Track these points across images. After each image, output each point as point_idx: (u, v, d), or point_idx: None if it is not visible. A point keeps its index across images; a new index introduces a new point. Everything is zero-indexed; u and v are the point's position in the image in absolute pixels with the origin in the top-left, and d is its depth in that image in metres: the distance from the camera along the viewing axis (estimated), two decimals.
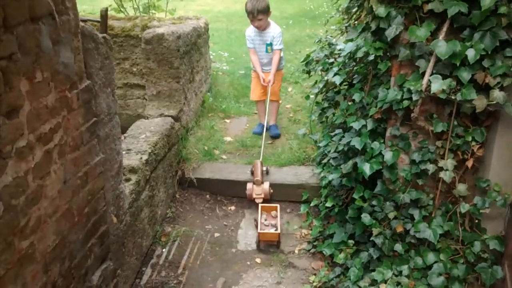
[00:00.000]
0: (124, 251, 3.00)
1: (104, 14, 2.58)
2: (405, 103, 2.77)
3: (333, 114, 3.76)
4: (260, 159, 4.23)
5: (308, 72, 4.15)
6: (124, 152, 3.44)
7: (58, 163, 2.12)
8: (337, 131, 3.45)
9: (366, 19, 3.19)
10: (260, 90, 4.94)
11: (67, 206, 2.23)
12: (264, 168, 4.12)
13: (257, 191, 3.93)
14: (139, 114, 5.37)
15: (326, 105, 3.91)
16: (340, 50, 3.85)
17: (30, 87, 1.86)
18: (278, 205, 3.92)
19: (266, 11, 4.55)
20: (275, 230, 3.65)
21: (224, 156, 4.48)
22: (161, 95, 4.35)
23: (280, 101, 5.35)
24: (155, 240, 3.60)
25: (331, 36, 4.15)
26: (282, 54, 4.83)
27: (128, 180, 3.18)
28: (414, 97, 2.70)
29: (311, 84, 4.70)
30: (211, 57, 6.77)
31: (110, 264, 2.73)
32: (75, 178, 2.30)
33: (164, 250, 3.55)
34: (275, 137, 4.87)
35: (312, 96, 4.04)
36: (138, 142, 3.59)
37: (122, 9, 5.96)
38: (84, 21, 2.47)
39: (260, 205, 3.89)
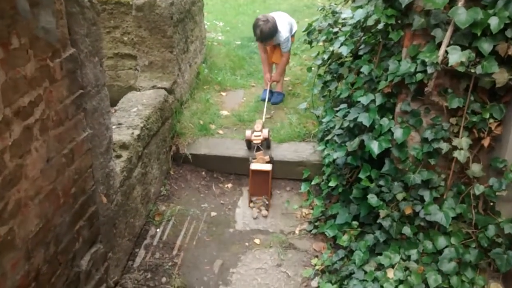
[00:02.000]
0: (115, 233, 2.82)
1: None
2: (419, 76, 2.56)
3: (337, 88, 3.55)
4: (263, 119, 4.19)
5: (310, 43, 3.92)
6: (114, 127, 3.23)
7: (40, 140, 1.91)
8: (341, 106, 3.24)
9: None
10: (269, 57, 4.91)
11: (51, 187, 2.04)
12: (266, 133, 3.93)
13: (257, 133, 3.88)
14: (130, 85, 5.12)
15: (329, 78, 3.70)
16: (344, 18, 3.61)
17: (4, 54, 1.64)
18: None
19: (274, 34, 4.48)
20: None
21: (220, 131, 4.27)
22: (154, 66, 4.10)
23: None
24: (148, 219, 3.42)
25: (335, 4, 3.89)
26: (289, 46, 4.75)
27: (119, 156, 2.97)
28: (429, 70, 2.49)
29: (312, 55, 4.47)
30: (206, 26, 6.48)
31: (100, 247, 2.55)
32: (60, 156, 2.09)
33: (158, 230, 3.37)
34: (276, 103, 4.80)
35: (314, 69, 3.81)
36: (130, 116, 3.37)
37: None
38: None
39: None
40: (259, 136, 3.89)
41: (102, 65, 2.48)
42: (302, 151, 3.92)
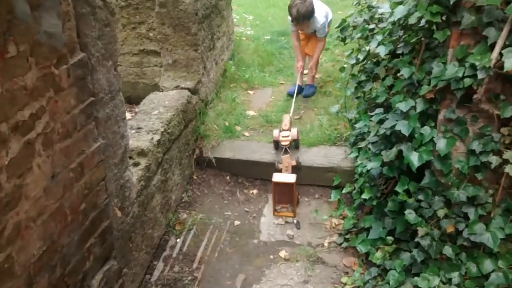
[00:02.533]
0: (131, 247, 2.65)
1: None
2: (467, 81, 2.28)
3: (372, 89, 3.28)
4: (290, 114, 3.98)
5: (344, 40, 3.64)
6: (133, 131, 3.06)
7: (43, 155, 1.74)
8: (377, 110, 2.97)
9: None
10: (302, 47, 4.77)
11: (57, 205, 1.87)
12: (295, 133, 3.71)
13: (285, 133, 3.65)
14: (156, 83, 4.97)
15: (363, 78, 3.42)
16: (382, 14, 3.32)
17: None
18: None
19: (311, 15, 4.31)
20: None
21: (246, 133, 4.05)
22: (177, 65, 3.91)
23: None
24: (168, 229, 3.24)
25: None
26: (326, 32, 4.63)
27: (136, 164, 2.80)
28: (480, 75, 2.20)
29: (345, 52, 4.21)
30: (234, 20, 6.25)
31: (114, 263, 2.38)
32: (67, 171, 1.92)
33: (178, 240, 3.19)
34: (307, 97, 4.65)
35: (347, 68, 3.53)
36: (150, 119, 3.19)
37: None
38: None
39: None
40: (287, 136, 3.66)
41: (116, 69, 2.29)
42: (333, 156, 3.66)
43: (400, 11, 2.47)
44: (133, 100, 5.28)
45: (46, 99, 1.73)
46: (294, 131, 3.71)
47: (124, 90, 5.00)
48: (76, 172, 1.98)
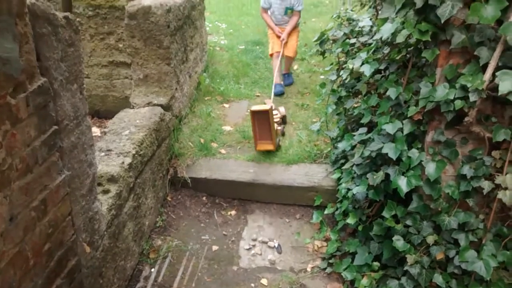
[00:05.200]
0: (102, 283, 2.43)
1: None
2: (458, 103, 2.16)
3: (354, 106, 3.15)
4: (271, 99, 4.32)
5: (323, 53, 3.51)
6: (103, 154, 2.85)
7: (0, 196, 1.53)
8: (360, 130, 2.84)
9: None
10: (279, 44, 4.95)
11: (17, 249, 1.66)
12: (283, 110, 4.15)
13: (274, 112, 4.02)
14: (127, 96, 4.75)
15: (344, 93, 3.29)
16: (362, 27, 3.21)
17: None
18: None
19: None
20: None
21: (223, 151, 3.87)
22: (149, 79, 3.70)
23: (295, 56, 5.29)
24: (142, 258, 3.03)
25: (352, 10, 3.48)
26: (303, 6, 5.01)
27: (106, 192, 2.58)
28: (472, 97, 2.09)
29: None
30: (207, 29, 6.08)
31: None
32: (28, 210, 1.71)
33: (153, 270, 2.98)
34: (288, 85, 5.06)
35: (327, 85, 3.39)
36: (121, 141, 2.98)
37: None
38: None
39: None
40: (277, 114, 4.03)
41: (82, 92, 2.08)
42: (314, 175, 3.52)
43: (387, 29, 2.33)
44: (102, 114, 5.04)
45: (2, 133, 1.53)
46: (282, 109, 4.16)
47: (93, 104, 4.82)
48: (38, 210, 1.77)
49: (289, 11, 4.90)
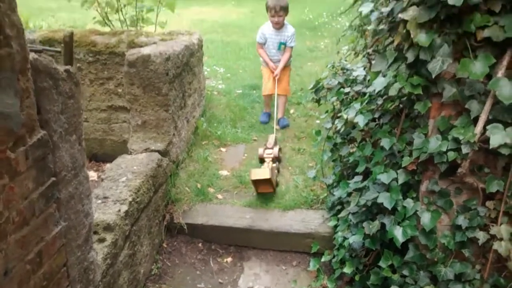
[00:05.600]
0: None
1: (69, 41, 1.99)
2: (451, 155, 2.20)
3: (349, 153, 3.19)
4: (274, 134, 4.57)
5: (318, 101, 3.59)
6: (99, 201, 2.85)
7: None
8: (356, 178, 2.86)
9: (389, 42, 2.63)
10: (272, 84, 5.17)
11: None
12: (276, 151, 4.22)
13: (268, 151, 4.18)
14: (125, 140, 4.78)
15: (339, 140, 3.34)
16: (356, 76, 3.28)
17: None
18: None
19: (287, 8, 4.98)
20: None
21: (219, 196, 3.88)
22: (147, 125, 3.75)
23: (289, 95, 5.58)
24: None
25: (345, 61, 3.58)
26: (295, 43, 5.26)
27: (102, 240, 2.57)
28: (464, 150, 2.13)
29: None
30: (206, 73, 6.19)
31: None
32: (23, 263, 1.70)
33: None
34: (284, 127, 5.16)
35: (322, 132, 3.44)
36: (118, 188, 2.99)
37: (107, 22, 5.36)
38: (39, 51, 1.88)
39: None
40: (270, 154, 4.16)
41: (81, 143, 2.11)
42: (310, 221, 3.52)
43: (380, 83, 2.40)
44: (100, 158, 5.06)
45: (0, 187, 1.54)
46: (275, 150, 4.21)
47: (90, 147, 4.85)
48: (33, 263, 1.77)
49: (283, 46, 5.15)
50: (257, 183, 3.75)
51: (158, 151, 3.59)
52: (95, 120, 4.95)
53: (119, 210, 2.75)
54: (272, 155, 4.15)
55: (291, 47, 5.20)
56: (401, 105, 2.62)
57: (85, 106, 4.84)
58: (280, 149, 4.35)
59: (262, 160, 4.14)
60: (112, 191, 2.96)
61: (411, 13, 2.17)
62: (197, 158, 4.33)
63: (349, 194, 2.97)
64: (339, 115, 3.11)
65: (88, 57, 4.65)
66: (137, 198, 2.97)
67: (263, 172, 3.74)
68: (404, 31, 2.24)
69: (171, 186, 3.73)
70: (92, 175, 4.54)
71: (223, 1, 15.16)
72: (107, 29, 5.29)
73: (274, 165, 4.04)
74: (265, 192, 3.82)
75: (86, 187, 2.19)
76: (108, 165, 4.77)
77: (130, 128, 3.95)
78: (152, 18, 5.43)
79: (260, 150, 4.21)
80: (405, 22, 2.21)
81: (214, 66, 7.42)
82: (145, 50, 3.57)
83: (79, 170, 2.12)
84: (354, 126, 3.12)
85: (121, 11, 5.16)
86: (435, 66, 2.13)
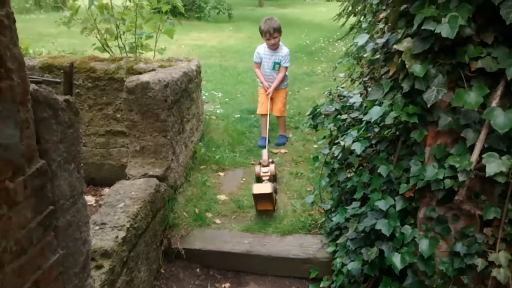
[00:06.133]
0: None
1: (69, 71, 2.02)
2: (448, 183, 2.22)
3: (347, 178, 3.20)
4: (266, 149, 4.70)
5: (315, 127, 3.61)
6: (97, 228, 2.84)
7: None
8: (354, 204, 2.87)
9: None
10: (266, 105, 5.33)
11: None
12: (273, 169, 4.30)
13: (264, 169, 4.25)
14: (123, 164, 4.79)
15: (336, 165, 3.36)
16: (353, 103, 3.32)
17: None
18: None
19: (279, 29, 5.19)
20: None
21: (217, 220, 3.87)
22: (146, 151, 3.77)
23: (285, 114, 5.73)
24: None
25: (342, 88, 3.62)
26: (286, 73, 5.46)
27: (99, 267, 2.56)
28: (461, 178, 2.15)
29: (319, 142, 4.24)
30: (204, 97, 6.24)
31: None
32: None
33: None
34: (280, 145, 5.38)
35: (320, 158, 3.46)
36: (115, 214, 2.99)
37: (106, 49, 5.42)
38: (39, 82, 1.90)
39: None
40: (267, 172, 4.23)
41: (80, 171, 2.12)
42: (309, 246, 3.51)
43: (376, 112, 2.44)
44: (98, 182, 5.06)
45: None
46: (272, 167, 4.30)
47: (88, 172, 4.85)
48: None
49: (277, 65, 5.31)
50: (257, 198, 3.79)
51: (156, 177, 3.60)
52: (93, 144, 4.97)
53: (117, 237, 2.75)
54: (269, 173, 4.22)
55: (286, 67, 5.35)
56: (397, 133, 2.65)
57: (84, 131, 4.87)
58: (273, 163, 4.43)
59: (259, 179, 4.21)
60: (110, 217, 2.95)
61: (405, 45, 2.22)
62: (195, 183, 4.34)
63: (347, 220, 2.97)
64: (336, 141, 3.13)
65: (87, 82, 4.70)
66: (135, 224, 2.97)
67: (265, 187, 3.81)
68: (399, 61, 2.29)
69: (169, 211, 3.73)
70: (90, 199, 4.54)
71: (221, 27, 15.40)
72: (106, 55, 5.35)
73: (272, 184, 4.06)
74: (265, 209, 3.86)
75: (84, 214, 2.20)
76: (106, 190, 4.78)
77: (128, 153, 3.97)
78: (151, 44, 5.50)
79: (257, 168, 4.29)
80: (400, 52, 2.26)
81: (213, 91, 7.48)
82: (144, 77, 3.61)
83: (78, 197, 2.12)
84: (351, 152, 3.15)
85: (121, 37, 5.22)
86: (430, 96, 2.17)
